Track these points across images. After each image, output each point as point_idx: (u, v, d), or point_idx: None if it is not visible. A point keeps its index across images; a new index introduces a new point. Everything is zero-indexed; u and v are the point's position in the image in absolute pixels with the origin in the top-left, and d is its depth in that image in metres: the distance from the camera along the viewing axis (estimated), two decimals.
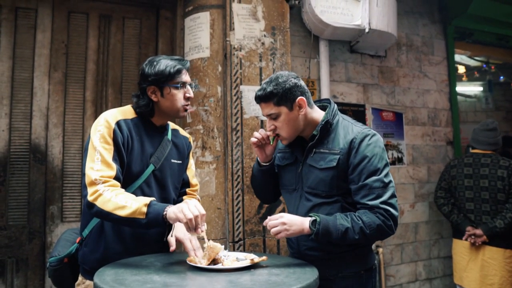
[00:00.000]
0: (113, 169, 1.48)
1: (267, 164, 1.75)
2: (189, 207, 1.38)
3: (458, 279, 3.04)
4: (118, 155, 1.53)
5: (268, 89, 1.56)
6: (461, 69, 5.35)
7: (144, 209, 1.39)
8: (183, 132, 1.87)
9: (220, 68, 2.65)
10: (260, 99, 1.59)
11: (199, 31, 2.69)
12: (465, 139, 4.25)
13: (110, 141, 1.52)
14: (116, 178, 1.49)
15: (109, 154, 1.50)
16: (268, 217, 1.51)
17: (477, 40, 4.11)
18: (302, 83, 1.62)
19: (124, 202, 1.40)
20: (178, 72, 1.62)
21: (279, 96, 1.56)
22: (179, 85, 1.63)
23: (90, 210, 1.45)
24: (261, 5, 2.69)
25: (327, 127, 1.62)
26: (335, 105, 1.70)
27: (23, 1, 2.65)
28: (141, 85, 1.64)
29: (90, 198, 1.43)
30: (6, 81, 2.58)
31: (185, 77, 1.65)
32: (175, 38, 2.96)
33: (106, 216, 1.44)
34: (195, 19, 2.71)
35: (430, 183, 3.55)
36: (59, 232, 2.63)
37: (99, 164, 1.47)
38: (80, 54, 2.77)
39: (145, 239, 1.64)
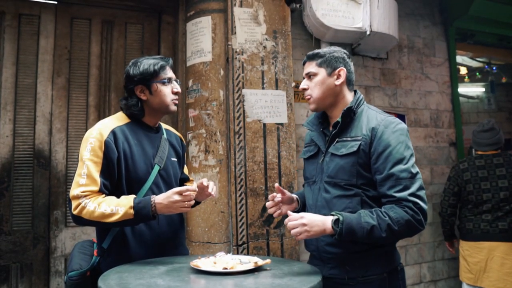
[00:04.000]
0: (96, 184, 1.51)
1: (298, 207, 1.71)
2: (172, 203, 1.48)
3: (475, 281, 2.93)
4: (108, 168, 1.55)
5: (317, 51, 1.63)
6: (463, 70, 5.34)
7: (131, 211, 1.47)
8: (174, 131, 1.91)
9: (222, 72, 2.66)
10: (308, 57, 1.65)
11: (201, 36, 2.70)
12: (468, 140, 4.21)
13: (101, 154, 1.54)
14: (100, 192, 1.53)
15: (96, 168, 1.53)
16: (289, 215, 1.42)
17: (478, 41, 4.11)
18: (351, 63, 1.65)
19: (110, 210, 1.46)
20: (163, 68, 1.68)
21: (323, 59, 1.61)
22: (165, 80, 1.68)
23: (78, 222, 1.51)
24: (262, 9, 2.70)
25: (350, 115, 1.57)
26: (362, 95, 1.67)
27: (26, 8, 2.67)
28: (128, 86, 1.68)
29: (74, 211, 1.49)
30: (10, 87, 2.60)
31: (170, 73, 1.71)
32: (177, 43, 2.98)
33: (97, 224, 1.51)
34: (197, 24, 2.72)
35: (433, 185, 3.54)
36: (63, 237, 2.64)
37: (85, 178, 1.51)
38: (83, 59, 2.79)
39: (164, 239, 1.67)
